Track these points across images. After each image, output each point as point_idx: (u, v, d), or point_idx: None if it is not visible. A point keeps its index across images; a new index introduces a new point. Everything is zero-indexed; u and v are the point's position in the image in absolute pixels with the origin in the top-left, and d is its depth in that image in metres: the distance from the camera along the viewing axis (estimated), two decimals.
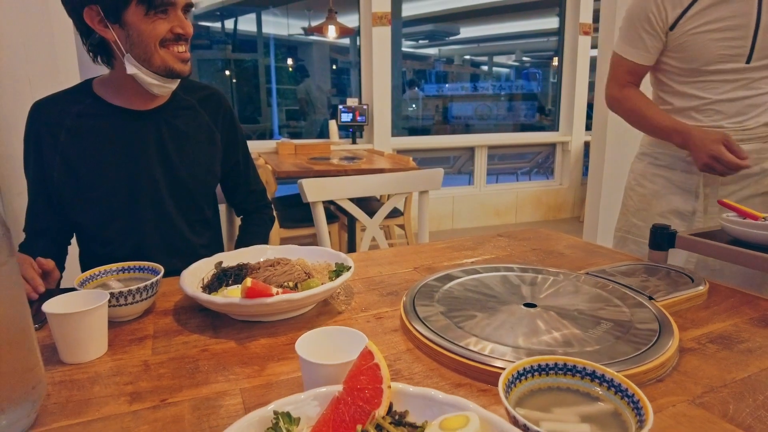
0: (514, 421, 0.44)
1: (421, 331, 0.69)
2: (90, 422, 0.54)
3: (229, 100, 1.27)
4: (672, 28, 1.18)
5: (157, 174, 1.12)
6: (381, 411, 0.45)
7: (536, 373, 0.52)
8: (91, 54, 1.06)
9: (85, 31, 1.01)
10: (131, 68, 1.01)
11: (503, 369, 0.59)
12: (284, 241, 3.00)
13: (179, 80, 1.08)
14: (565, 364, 0.52)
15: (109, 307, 0.75)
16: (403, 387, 0.48)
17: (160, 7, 0.97)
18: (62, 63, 1.70)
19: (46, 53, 1.62)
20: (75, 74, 1.82)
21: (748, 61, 1.14)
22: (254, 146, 3.96)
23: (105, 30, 0.99)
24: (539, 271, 0.94)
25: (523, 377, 0.51)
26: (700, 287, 0.86)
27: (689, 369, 0.63)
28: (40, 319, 0.76)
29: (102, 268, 0.85)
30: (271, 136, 4.70)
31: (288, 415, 0.44)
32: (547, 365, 0.52)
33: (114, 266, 0.86)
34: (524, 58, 6.43)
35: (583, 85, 4.90)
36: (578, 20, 4.76)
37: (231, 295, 0.76)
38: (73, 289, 0.75)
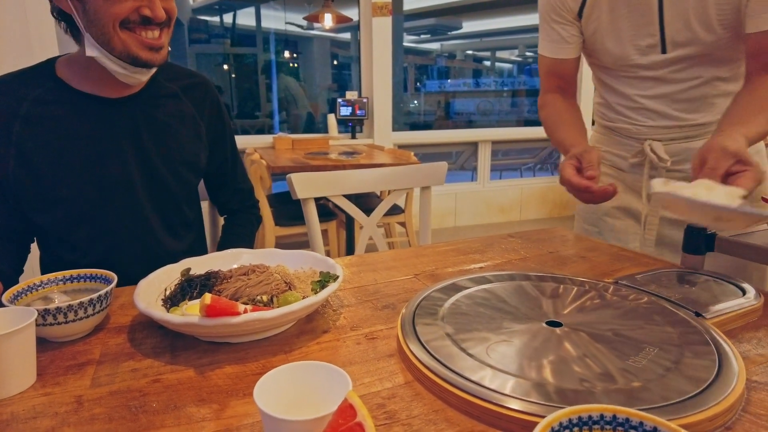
0: None
1: (422, 359, 0.56)
2: None
3: (217, 91, 1.13)
4: (579, 15, 1.07)
5: (131, 171, 0.98)
6: None
7: (576, 428, 0.39)
8: (60, 24, 0.91)
9: None
10: (91, 49, 0.87)
11: (527, 414, 0.46)
12: (279, 239, 2.87)
13: (151, 69, 0.93)
14: (615, 417, 0.39)
15: (44, 326, 0.62)
16: None
17: None
18: (37, 38, 1.55)
19: (16, 26, 1.47)
20: (53, 49, 1.66)
21: (663, 51, 1.01)
22: (250, 141, 3.82)
23: (61, 0, 0.85)
24: (560, 280, 0.80)
25: None
26: (754, 300, 0.72)
27: (764, 411, 0.49)
28: None
29: (44, 278, 0.72)
30: (270, 131, 4.57)
31: None
32: (590, 417, 0.39)
33: (59, 275, 0.73)
34: (527, 53, 6.29)
35: (588, 80, 4.75)
36: None
37: (191, 312, 0.63)
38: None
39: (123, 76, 0.90)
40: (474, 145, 4.64)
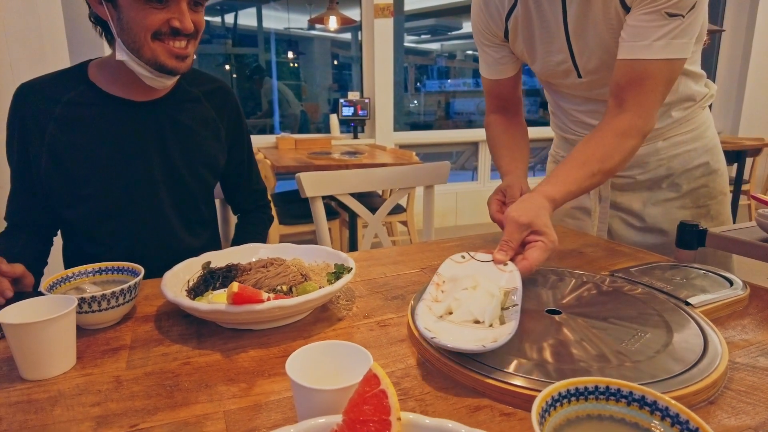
0: None
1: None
2: None
3: (236, 95, 1.18)
4: (506, 38, 1.09)
5: (155, 171, 1.03)
6: None
7: (573, 398, 0.44)
8: (96, 29, 0.97)
9: (87, 3, 0.93)
10: (121, 54, 0.92)
11: (529, 389, 0.51)
12: (283, 238, 2.91)
13: (176, 76, 0.99)
14: (608, 388, 0.44)
15: (80, 314, 0.67)
16: (415, 418, 0.39)
17: None
18: (49, 45, 1.60)
19: (30, 34, 1.52)
20: (64, 58, 1.71)
21: (579, 76, 1.04)
22: (253, 141, 3.86)
23: (98, 6, 0.91)
24: (559, 272, 0.85)
25: (558, 403, 0.43)
26: (740, 291, 0.77)
27: (744, 388, 0.54)
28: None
29: (76, 270, 0.77)
30: (272, 132, 4.61)
31: None
32: (586, 389, 0.44)
33: (89, 267, 0.78)
34: None
35: None
36: None
37: (217, 300, 0.67)
38: (39, 294, 0.66)
39: (150, 80, 0.95)
40: (474, 145, 4.69)
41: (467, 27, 6.45)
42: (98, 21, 0.95)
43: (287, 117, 4.75)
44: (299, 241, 1.36)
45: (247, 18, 5.04)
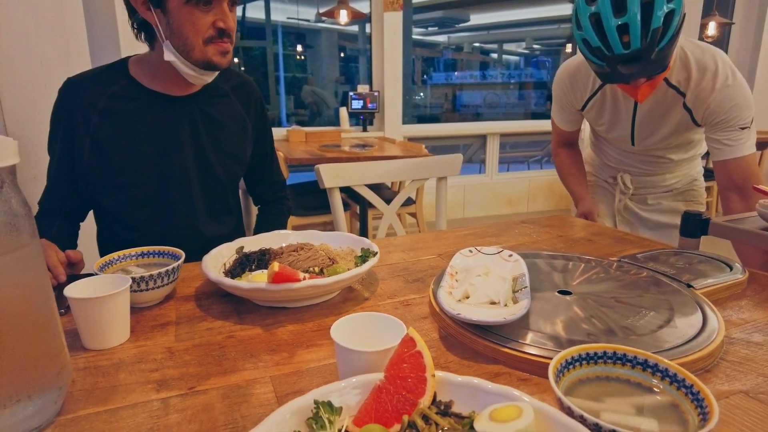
0: (569, 412, 0.41)
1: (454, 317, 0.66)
2: (117, 410, 0.52)
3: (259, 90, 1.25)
4: (581, 109, 1.41)
5: (188, 162, 1.09)
6: (425, 401, 0.43)
7: (584, 362, 0.50)
8: (134, 31, 1.04)
9: (130, 9, 1.00)
10: (169, 55, 0.99)
11: (544, 357, 0.57)
12: (296, 229, 2.97)
13: (216, 72, 1.05)
14: (615, 353, 0.50)
15: (131, 292, 0.73)
16: (447, 376, 0.45)
17: None
18: (73, 45, 1.67)
19: (56, 35, 1.59)
20: (86, 56, 1.79)
21: (633, 144, 1.38)
22: None
23: (147, 12, 0.98)
24: (569, 258, 0.91)
25: (571, 366, 0.49)
26: (739, 275, 0.82)
27: (738, 359, 0.60)
28: (63, 305, 0.74)
29: (121, 253, 0.83)
30: (279, 124, 4.67)
31: (329, 404, 0.42)
32: (596, 354, 0.50)
33: (133, 251, 0.84)
34: (535, 46, 6.33)
35: None
36: None
37: (256, 280, 0.74)
38: (92, 274, 0.73)
39: (193, 77, 1.02)
40: (482, 138, 4.72)
41: (474, 19, 6.46)
42: (141, 26, 1.01)
43: (322, 116, 4.80)
44: None
45: (255, 11, 5.08)
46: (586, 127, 1.60)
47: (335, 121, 4.25)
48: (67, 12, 1.68)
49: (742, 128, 1.19)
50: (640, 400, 0.46)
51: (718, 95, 1.17)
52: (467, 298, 0.71)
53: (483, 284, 0.72)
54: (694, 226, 1.03)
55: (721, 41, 5.16)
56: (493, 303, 0.69)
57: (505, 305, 0.69)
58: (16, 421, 0.45)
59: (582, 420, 0.40)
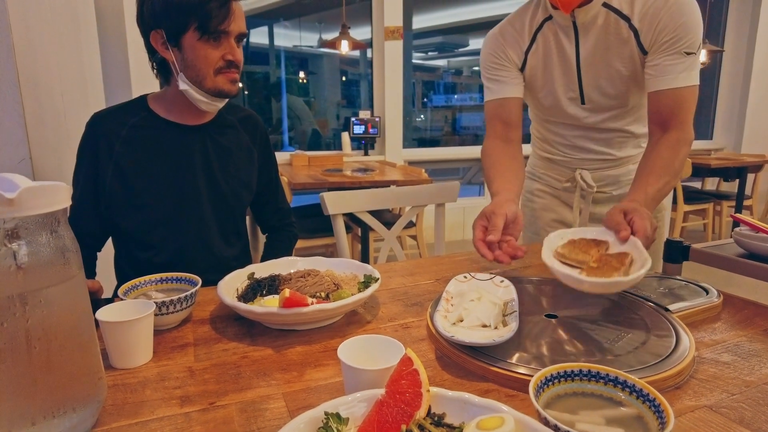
0: (545, 422, 0.47)
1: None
2: (146, 422, 0.59)
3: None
4: (522, 69, 1.27)
5: (200, 185, 1.19)
6: (421, 413, 0.49)
7: (563, 379, 0.56)
8: (154, 71, 1.16)
9: (150, 50, 1.12)
10: (183, 85, 1.10)
11: (530, 376, 0.63)
12: (299, 251, 3.05)
13: (226, 99, 1.16)
14: (589, 371, 0.56)
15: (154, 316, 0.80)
16: (440, 391, 0.52)
17: (213, 34, 1.05)
18: (90, 79, 1.78)
19: (75, 70, 1.69)
20: (100, 89, 1.90)
21: (582, 101, 1.24)
22: None
23: (166, 51, 1.09)
24: (557, 283, 0.97)
25: (550, 382, 0.55)
26: (714, 299, 0.89)
27: (706, 377, 0.66)
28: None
29: (142, 279, 0.90)
30: (281, 148, 4.78)
31: (338, 415, 0.48)
32: (572, 371, 0.56)
33: (153, 277, 0.91)
34: None
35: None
36: None
37: (267, 304, 0.80)
38: (110, 300, 0.80)
39: (205, 104, 1.13)
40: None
41: (473, 44, 6.62)
42: (160, 65, 1.13)
43: (301, 133, 4.91)
44: (314, 255, 1.51)
45: (258, 36, 5.24)
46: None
47: (311, 140, 4.37)
48: (85, 48, 1.79)
49: (687, 53, 1.08)
50: (610, 413, 0.53)
51: (673, 6, 1.07)
52: (461, 321, 0.78)
53: (475, 308, 0.79)
54: (675, 252, 1.10)
55: (713, 68, 5.29)
56: (484, 326, 0.76)
57: (495, 328, 0.75)
58: (61, 431, 0.52)
59: (556, 429, 0.46)
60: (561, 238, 0.97)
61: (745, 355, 0.72)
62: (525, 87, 1.29)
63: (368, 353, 0.60)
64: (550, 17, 1.20)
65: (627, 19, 1.12)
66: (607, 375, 0.55)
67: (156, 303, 0.79)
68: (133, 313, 0.73)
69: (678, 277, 1.02)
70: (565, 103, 1.26)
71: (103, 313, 0.71)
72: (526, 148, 1.41)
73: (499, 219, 0.99)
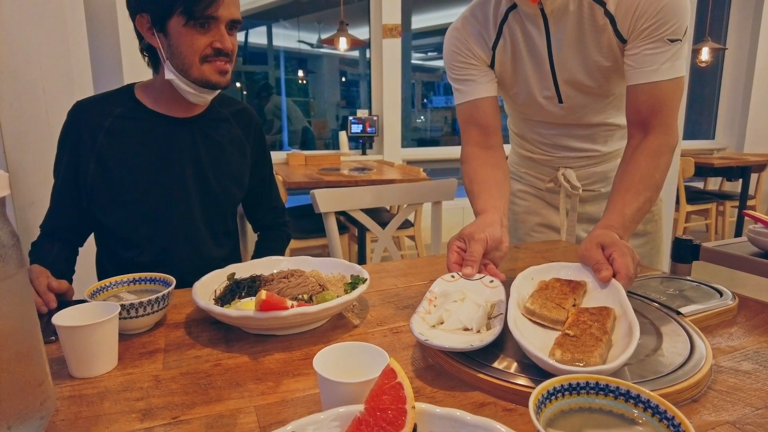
0: None
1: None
2: None
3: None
4: (491, 66, 1.12)
5: (189, 182, 1.12)
6: None
7: (567, 393, 0.50)
8: (145, 59, 1.10)
9: (139, 36, 1.05)
10: (169, 74, 1.03)
11: (530, 387, 0.57)
12: (294, 252, 2.98)
13: (217, 91, 1.09)
14: (597, 383, 0.49)
15: (120, 319, 0.73)
16: (428, 407, 0.45)
17: (199, 20, 0.98)
18: (76, 71, 1.71)
19: (60, 60, 1.63)
20: (89, 82, 1.83)
21: (560, 101, 1.11)
22: None
23: (152, 37, 1.03)
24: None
25: (553, 397, 0.49)
26: (729, 301, 0.82)
27: (726, 389, 0.60)
28: (52, 331, 0.74)
29: (113, 279, 0.84)
30: (281, 148, 4.72)
31: None
32: (578, 384, 0.50)
33: (125, 277, 0.85)
34: None
35: None
36: None
37: (244, 307, 0.74)
38: (83, 301, 0.73)
39: (193, 96, 1.06)
40: None
41: None
42: (147, 51, 1.07)
43: (292, 133, 4.86)
44: (310, 255, 1.45)
45: (257, 36, 5.19)
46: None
47: (306, 140, 4.31)
48: (72, 37, 1.72)
49: (672, 41, 0.94)
50: None
51: None
52: (441, 323, 0.71)
53: (458, 310, 0.72)
54: (685, 251, 1.04)
55: (715, 66, 5.23)
56: (466, 329, 0.69)
57: (478, 331, 0.69)
58: None
59: None
60: (530, 279, 0.83)
61: (767, 364, 0.65)
62: (498, 83, 1.15)
63: (349, 363, 0.54)
64: (514, 6, 1.05)
65: (602, 3, 0.97)
66: (618, 388, 0.49)
67: (123, 305, 0.73)
68: (96, 316, 0.66)
69: (688, 278, 0.96)
70: (542, 101, 1.13)
71: (61, 317, 0.65)
72: (508, 148, 1.32)
73: (478, 246, 0.86)
